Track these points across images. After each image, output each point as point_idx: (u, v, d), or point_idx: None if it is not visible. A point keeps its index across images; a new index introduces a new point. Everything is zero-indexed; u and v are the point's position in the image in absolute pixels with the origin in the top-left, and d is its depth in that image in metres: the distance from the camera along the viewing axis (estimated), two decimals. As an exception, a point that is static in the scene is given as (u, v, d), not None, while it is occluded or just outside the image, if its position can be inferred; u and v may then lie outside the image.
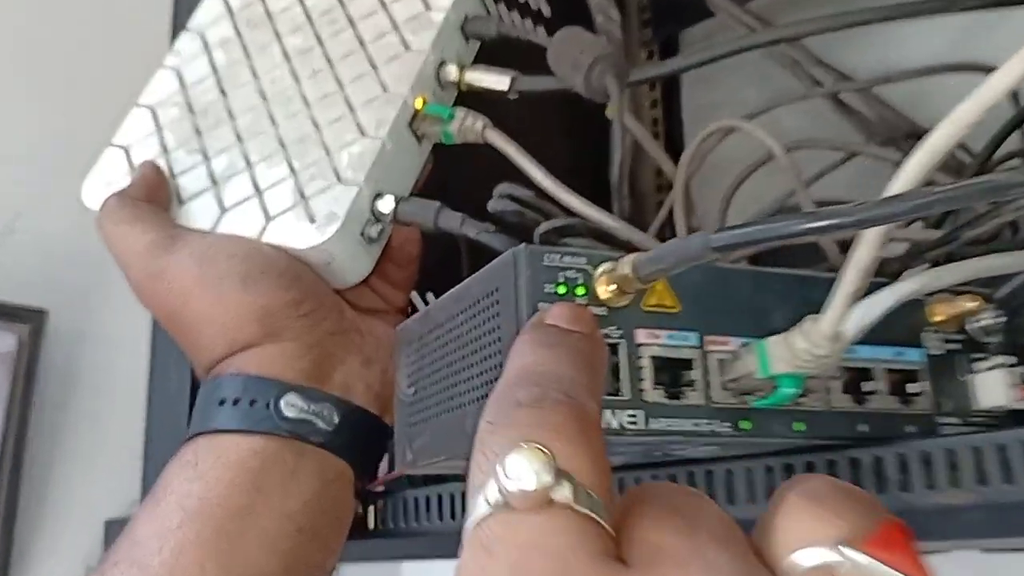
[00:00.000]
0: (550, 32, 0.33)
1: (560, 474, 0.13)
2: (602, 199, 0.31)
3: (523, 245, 0.20)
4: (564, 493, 0.13)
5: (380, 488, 0.32)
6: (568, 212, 0.31)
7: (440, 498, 0.29)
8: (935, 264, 0.27)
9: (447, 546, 0.30)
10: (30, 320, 0.73)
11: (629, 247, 0.29)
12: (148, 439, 0.43)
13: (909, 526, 0.21)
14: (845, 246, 0.36)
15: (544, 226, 0.30)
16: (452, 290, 0.23)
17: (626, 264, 0.19)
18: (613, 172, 0.32)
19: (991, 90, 0.16)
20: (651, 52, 0.58)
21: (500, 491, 0.13)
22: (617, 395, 0.19)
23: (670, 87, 0.57)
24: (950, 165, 0.44)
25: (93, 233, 0.33)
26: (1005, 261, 0.21)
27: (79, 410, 0.76)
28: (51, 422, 0.76)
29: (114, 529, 0.40)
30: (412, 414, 0.25)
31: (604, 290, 0.20)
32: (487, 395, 0.20)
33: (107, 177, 0.36)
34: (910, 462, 0.21)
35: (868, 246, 0.17)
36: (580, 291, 0.20)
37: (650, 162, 0.55)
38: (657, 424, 0.20)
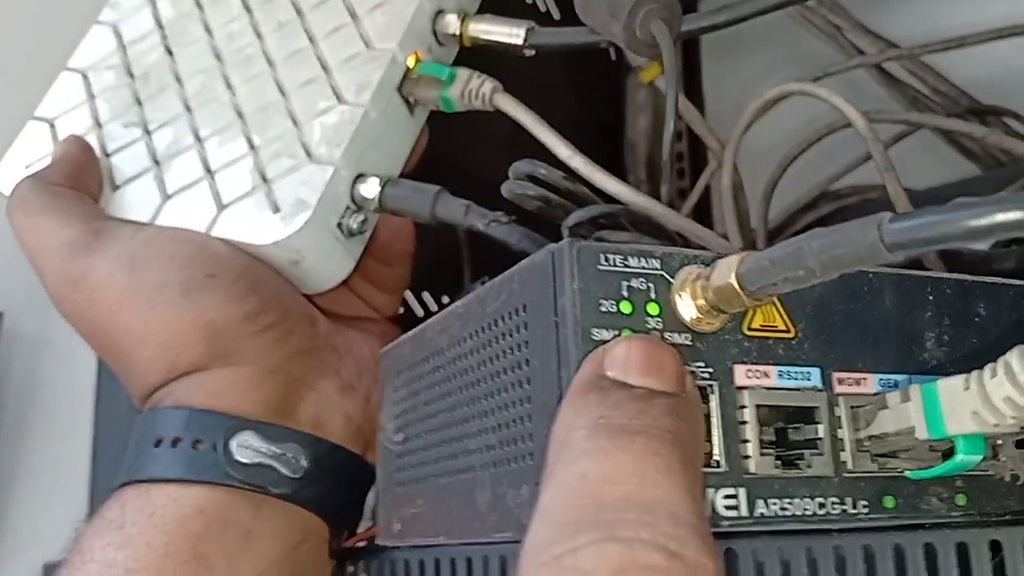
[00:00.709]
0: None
1: None
2: (614, 168, 0.25)
3: (567, 241, 0.13)
4: None
5: (361, 544, 0.26)
6: (602, 198, 0.24)
7: (439, 563, 0.23)
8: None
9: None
10: (-23, 324, 0.66)
11: (679, 242, 0.22)
12: (95, 469, 0.37)
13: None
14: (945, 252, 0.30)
15: (576, 216, 0.23)
16: (457, 303, 0.16)
17: (728, 271, 0.12)
18: (664, 146, 0.26)
19: None
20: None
21: None
22: (707, 465, 0.13)
23: (690, 61, 0.52)
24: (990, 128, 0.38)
25: None
26: None
27: (39, 415, 0.70)
28: (9, 427, 0.69)
29: (52, 573, 0.33)
30: (401, 468, 0.18)
31: (689, 307, 0.13)
32: (510, 460, 0.14)
33: (28, 157, 0.29)
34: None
35: None
36: (652, 309, 0.13)
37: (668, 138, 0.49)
38: (767, 509, 0.13)
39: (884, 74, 0.41)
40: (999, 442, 0.15)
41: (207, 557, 0.22)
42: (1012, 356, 0.12)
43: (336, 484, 0.24)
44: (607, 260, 0.13)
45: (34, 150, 0.29)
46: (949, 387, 0.13)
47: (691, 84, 0.52)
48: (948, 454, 0.13)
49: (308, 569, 0.24)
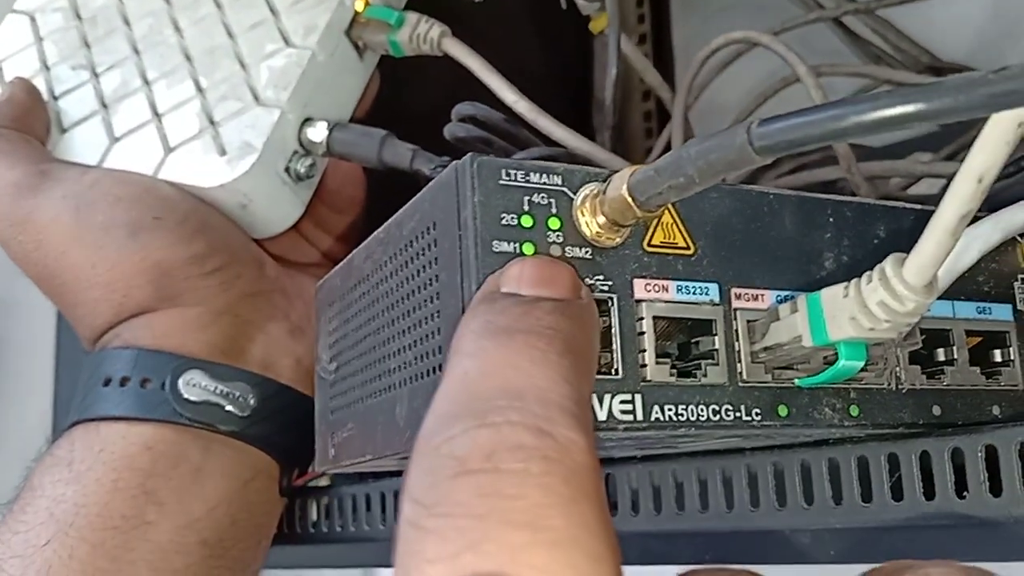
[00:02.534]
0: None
1: None
2: (583, 131, 0.25)
3: (469, 155, 0.13)
4: None
5: (317, 483, 0.26)
6: (547, 142, 0.25)
7: (384, 497, 0.24)
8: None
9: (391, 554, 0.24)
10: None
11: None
12: (56, 417, 0.37)
13: (1000, 542, 0.16)
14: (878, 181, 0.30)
15: (518, 156, 0.23)
16: (380, 228, 0.17)
17: (620, 183, 0.13)
18: (606, 92, 0.26)
19: None
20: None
21: None
22: (607, 373, 0.13)
23: (658, 15, 0.51)
24: None
25: None
26: None
27: (4, 373, 0.70)
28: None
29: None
30: (334, 396, 0.19)
31: (589, 222, 0.13)
32: (423, 373, 0.14)
33: (-26, 100, 0.29)
34: (1001, 457, 0.15)
35: (996, 143, 0.11)
36: (554, 223, 0.14)
37: (638, 100, 0.49)
38: (662, 413, 0.14)
39: (845, 30, 0.41)
40: (898, 354, 0.16)
41: (156, 492, 0.23)
42: (887, 262, 0.13)
43: (285, 423, 0.25)
44: (508, 175, 0.13)
45: (-20, 93, 0.29)
46: (831, 295, 0.13)
47: (660, 40, 0.52)
48: (832, 361, 0.14)
49: (258, 506, 0.25)
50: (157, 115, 0.27)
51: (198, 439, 0.23)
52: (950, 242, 0.12)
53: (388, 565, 0.26)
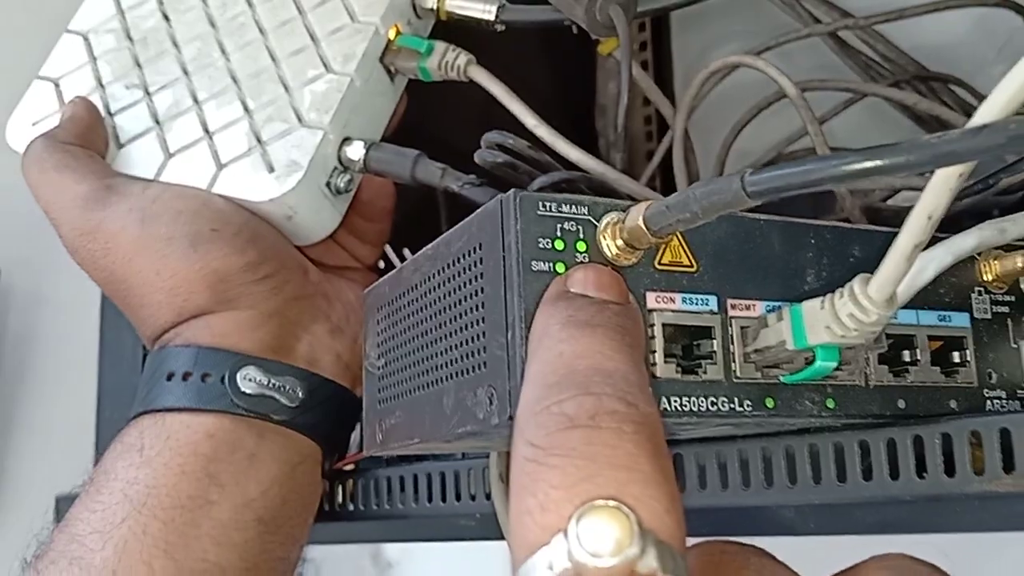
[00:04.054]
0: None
1: (644, 535, 0.11)
2: (588, 147, 0.28)
3: (512, 191, 0.16)
4: (650, 563, 0.11)
5: (350, 467, 0.29)
6: (564, 164, 0.27)
7: (416, 478, 0.27)
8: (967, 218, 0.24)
9: (422, 530, 0.27)
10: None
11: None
12: (100, 408, 0.40)
13: (953, 516, 0.18)
14: (866, 208, 0.33)
15: (540, 180, 0.26)
16: (428, 246, 0.19)
17: (637, 214, 0.16)
18: (618, 119, 0.29)
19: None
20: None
21: (571, 559, 0.11)
22: (624, 371, 0.16)
23: (659, 29, 0.54)
24: (940, 96, 0.41)
25: None
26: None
27: (36, 370, 0.73)
28: (7, 383, 0.72)
29: (65, 504, 0.36)
30: (382, 389, 0.21)
31: (610, 245, 0.16)
32: (469, 370, 0.17)
33: (34, 115, 0.32)
34: (956, 443, 0.18)
35: (940, 189, 0.14)
36: (581, 246, 0.16)
37: (639, 106, 0.52)
38: (668, 405, 0.17)
39: (839, 42, 0.43)
40: (867, 356, 0.18)
41: (217, 476, 0.25)
42: (855, 281, 0.15)
43: (328, 413, 0.28)
44: (544, 206, 0.16)
45: (40, 108, 0.32)
46: (810, 307, 0.16)
47: (660, 54, 0.55)
48: (811, 361, 0.16)
49: (305, 487, 0.27)
50: (208, 133, 0.29)
51: (253, 428, 0.26)
52: (905, 266, 0.15)
53: (415, 539, 0.29)
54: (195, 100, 0.30)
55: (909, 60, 0.43)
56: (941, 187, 0.14)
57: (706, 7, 0.40)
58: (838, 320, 0.15)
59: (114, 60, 0.32)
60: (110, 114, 0.31)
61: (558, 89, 0.47)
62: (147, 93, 0.31)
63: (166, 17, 0.32)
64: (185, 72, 0.31)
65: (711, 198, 0.14)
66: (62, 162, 0.28)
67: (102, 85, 0.31)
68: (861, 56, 0.43)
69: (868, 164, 0.13)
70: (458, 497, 0.25)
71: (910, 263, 0.15)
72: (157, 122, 0.30)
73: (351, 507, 0.29)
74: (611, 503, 0.11)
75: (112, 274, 0.27)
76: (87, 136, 0.29)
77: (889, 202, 0.35)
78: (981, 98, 0.39)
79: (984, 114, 0.13)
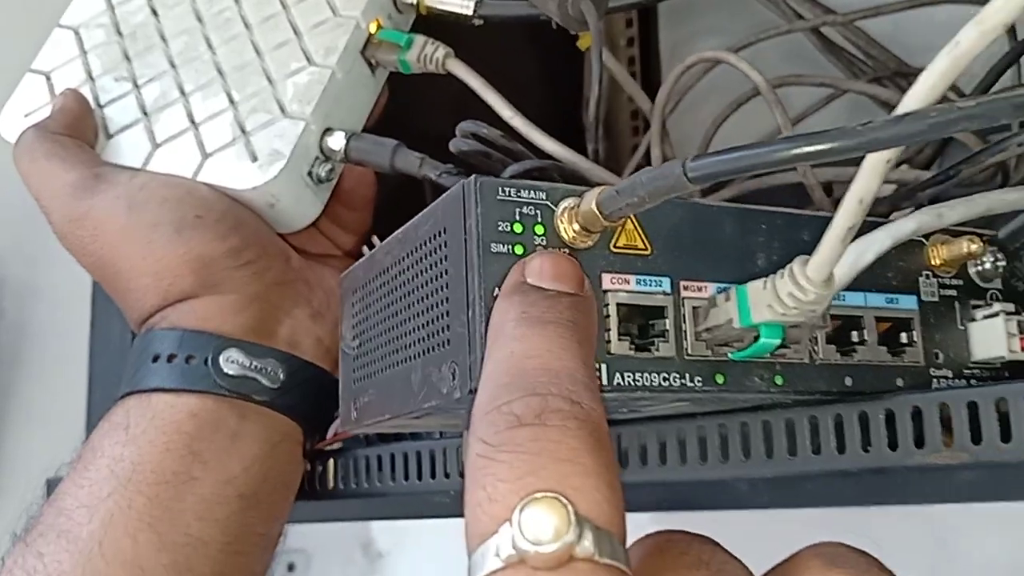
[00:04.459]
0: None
1: (581, 523, 0.12)
2: (574, 139, 0.29)
3: (473, 177, 0.17)
4: (586, 547, 0.12)
5: (332, 447, 0.30)
6: (539, 154, 0.28)
7: (394, 457, 0.27)
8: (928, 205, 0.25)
9: (401, 507, 0.28)
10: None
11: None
12: (91, 393, 0.41)
13: (896, 487, 0.19)
14: (832, 190, 0.34)
15: (512, 168, 0.27)
16: (398, 230, 0.20)
17: (591, 199, 0.17)
18: (589, 110, 0.29)
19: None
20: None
21: (515, 547, 0.12)
22: (580, 348, 0.17)
23: (646, 23, 0.54)
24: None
25: None
26: (1016, 196, 0.19)
27: (30, 358, 0.74)
28: (2, 371, 0.73)
29: (55, 487, 0.37)
30: (357, 368, 0.22)
31: (566, 229, 0.17)
32: (434, 347, 0.18)
33: (26, 107, 0.32)
34: (899, 418, 0.19)
35: (870, 174, 0.15)
36: (539, 230, 0.17)
37: (626, 103, 0.52)
38: (622, 380, 0.17)
39: (821, 38, 0.44)
40: (814, 335, 0.19)
41: (200, 453, 0.26)
42: (794, 262, 0.16)
43: (308, 394, 0.29)
44: (503, 192, 0.17)
45: (32, 100, 0.32)
46: (755, 287, 0.17)
47: (647, 49, 0.55)
48: (756, 339, 0.17)
49: (285, 466, 0.28)
50: (194, 124, 0.30)
51: (235, 408, 0.27)
52: (840, 247, 0.16)
53: (394, 517, 0.30)
54: (182, 92, 0.31)
55: (890, 56, 0.43)
56: (871, 172, 0.15)
57: (691, 2, 0.41)
58: (779, 299, 0.16)
59: (104, 54, 0.33)
60: (99, 106, 0.31)
61: (546, 83, 0.47)
62: (135, 85, 0.32)
63: (154, 12, 0.33)
64: (172, 65, 0.32)
65: (656, 183, 0.15)
66: (52, 151, 0.29)
67: (92, 78, 0.32)
68: (844, 52, 0.44)
69: (798, 151, 0.14)
70: (433, 475, 0.26)
71: (844, 244, 0.15)
72: (145, 113, 0.31)
73: (332, 486, 0.30)
74: (550, 495, 0.12)
75: (100, 259, 0.28)
76: (77, 127, 0.30)
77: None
78: (960, 93, 0.40)
79: (908, 103, 0.14)
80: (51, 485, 0.40)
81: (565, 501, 0.12)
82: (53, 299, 0.74)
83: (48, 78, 0.33)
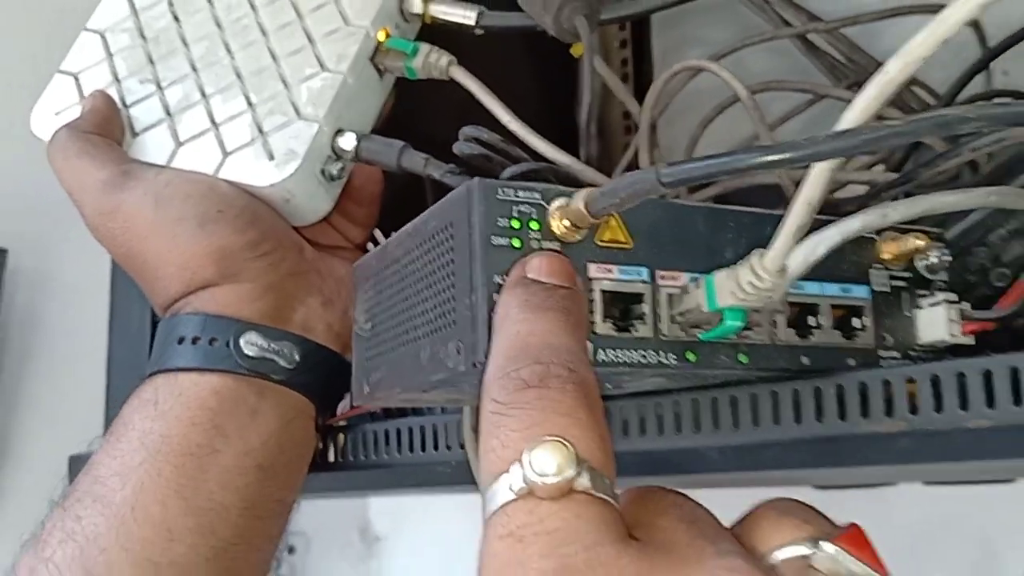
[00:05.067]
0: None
1: (581, 462, 0.14)
2: (571, 142, 0.31)
3: (476, 179, 0.20)
4: (584, 482, 0.14)
5: (341, 423, 0.33)
6: (536, 156, 0.31)
7: (399, 432, 0.30)
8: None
9: (404, 478, 0.31)
10: (-12, 259, 0.71)
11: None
12: (110, 375, 0.43)
13: (845, 452, 0.22)
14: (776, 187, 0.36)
15: (510, 170, 0.29)
16: (408, 225, 0.23)
17: (579, 199, 0.19)
18: (581, 115, 0.32)
19: (942, 24, 0.16)
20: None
21: (525, 480, 0.14)
22: (569, 328, 0.20)
23: (640, 27, 0.57)
24: (914, 107, 0.44)
25: (51, 171, 0.32)
26: (953, 199, 0.22)
27: (41, 348, 0.76)
28: (13, 361, 0.75)
29: (78, 464, 0.40)
30: (369, 348, 0.25)
31: (557, 225, 0.20)
32: (443, 328, 0.21)
33: (56, 105, 0.34)
34: (847, 393, 0.22)
35: (816, 181, 0.17)
36: (534, 225, 0.20)
37: (618, 104, 0.55)
38: (605, 356, 0.20)
39: (807, 43, 0.46)
40: (774, 319, 0.22)
41: (222, 427, 0.29)
42: (753, 255, 0.19)
43: (320, 374, 0.31)
44: (503, 192, 0.20)
45: (61, 99, 0.34)
46: (720, 276, 0.19)
47: (640, 52, 0.58)
48: (721, 321, 0.20)
49: (299, 439, 0.31)
50: (215, 124, 0.32)
51: (254, 386, 0.29)
52: (791, 243, 0.18)
53: (399, 487, 0.33)
54: (203, 94, 0.33)
55: (870, 60, 0.46)
56: (817, 179, 0.17)
57: (686, 10, 0.43)
58: (740, 287, 0.19)
59: (129, 57, 0.35)
60: (125, 106, 0.34)
61: (542, 88, 0.50)
62: (159, 87, 0.34)
63: (176, 18, 0.35)
64: (194, 69, 0.34)
65: (634, 186, 0.18)
66: (84, 150, 0.31)
67: (118, 79, 0.34)
68: (827, 57, 0.46)
69: (754, 161, 0.16)
70: (436, 447, 0.29)
71: (795, 240, 0.18)
72: (168, 114, 0.33)
73: (342, 459, 0.32)
74: (555, 438, 0.15)
75: (129, 250, 0.31)
76: (106, 126, 0.32)
77: (836, 194, 0.39)
78: (937, 96, 0.42)
79: (847, 120, 0.17)
80: (73, 462, 0.42)
81: (567, 443, 0.15)
82: (65, 289, 0.76)
83: (76, 79, 0.35)
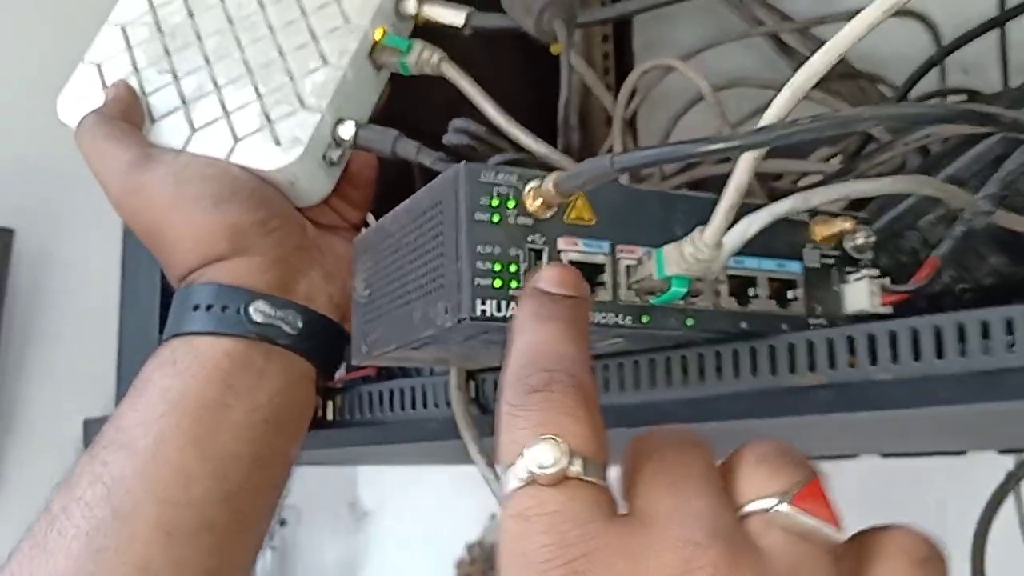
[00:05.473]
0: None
1: (573, 454, 0.18)
2: (551, 133, 0.34)
3: (463, 163, 0.23)
4: (576, 469, 0.17)
5: (339, 386, 0.36)
6: (519, 147, 0.34)
7: (392, 392, 0.34)
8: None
9: (396, 433, 0.34)
10: (-4, 239, 0.74)
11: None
12: (121, 344, 0.46)
13: (776, 403, 0.25)
14: (766, 177, 0.40)
15: (494, 159, 0.33)
16: (403, 203, 0.26)
17: (549, 181, 0.23)
18: (559, 111, 0.35)
19: (846, 36, 0.19)
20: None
21: (527, 471, 0.18)
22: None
23: (623, 26, 0.60)
24: (873, 99, 0.48)
25: (57, 153, 0.35)
26: (864, 186, 0.25)
27: (46, 324, 0.79)
28: (19, 337, 0.78)
29: (92, 426, 0.43)
30: (367, 313, 0.28)
31: (531, 203, 0.23)
32: (433, 291, 0.24)
33: (81, 93, 0.37)
34: (778, 352, 0.25)
35: (743, 168, 0.21)
36: (511, 204, 0.23)
37: (599, 99, 0.58)
38: (572, 316, 0.23)
39: (779, 42, 0.49)
40: (717, 289, 0.25)
41: (233, 386, 0.32)
42: (695, 231, 0.22)
43: (321, 341, 0.34)
44: (485, 175, 0.23)
45: (85, 87, 0.37)
46: (668, 249, 0.23)
47: (622, 46, 0.61)
48: (669, 288, 0.23)
49: (302, 398, 0.34)
50: (227, 113, 0.36)
51: (261, 349, 0.33)
52: (725, 220, 0.22)
53: (392, 442, 0.36)
54: (215, 85, 0.36)
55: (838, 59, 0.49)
56: (743, 168, 0.21)
57: (667, 8, 0.46)
58: (683, 257, 0.22)
59: (148, 49, 0.38)
60: (144, 94, 0.37)
61: (526, 84, 0.53)
62: (175, 78, 0.37)
63: (191, 14, 0.38)
64: (207, 61, 0.37)
65: (593, 171, 0.21)
66: (109, 134, 0.34)
67: (137, 69, 0.37)
68: (799, 55, 0.49)
69: (692, 150, 0.20)
70: (424, 406, 0.32)
71: (727, 218, 0.22)
72: (184, 102, 0.36)
73: (339, 417, 0.36)
74: (552, 436, 0.18)
75: (150, 225, 0.34)
76: (128, 113, 0.35)
77: (799, 183, 0.43)
78: (894, 87, 0.46)
79: (766, 118, 0.20)
80: (87, 425, 0.45)
81: (561, 440, 0.18)
82: (68, 269, 0.79)
83: (99, 68, 0.38)
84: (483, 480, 0.31)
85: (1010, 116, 0.20)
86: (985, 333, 0.22)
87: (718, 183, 0.45)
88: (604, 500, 0.18)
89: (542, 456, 0.17)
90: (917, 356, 0.23)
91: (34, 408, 0.78)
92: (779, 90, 0.50)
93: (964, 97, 0.47)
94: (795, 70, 0.52)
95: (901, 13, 0.48)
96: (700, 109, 0.46)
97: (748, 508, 0.18)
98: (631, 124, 0.49)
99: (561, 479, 0.17)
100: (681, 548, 0.16)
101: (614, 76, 0.59)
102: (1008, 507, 0.48)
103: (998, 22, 0.44)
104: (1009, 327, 0.21)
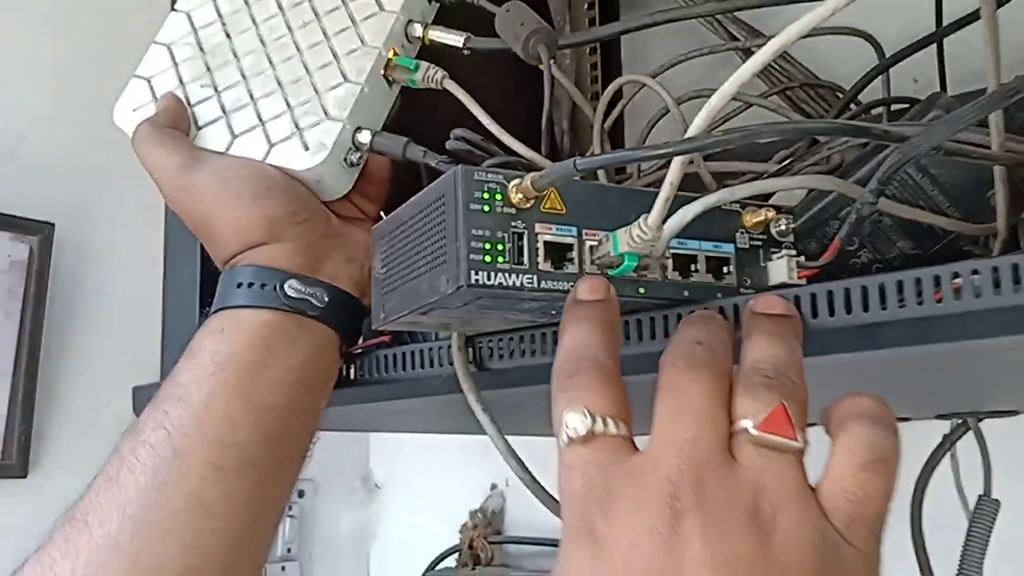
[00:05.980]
0: (498, 1, 0.42)
1: (596, 418, 0.24)
2: (538, 140, 0.41)
3: (460, 165, 0.30)
4: (599, 428, 0.24)
5: (359, 351, 0.43)
6: (509, 151, 0.40)
7: (404, 354, 0.40)
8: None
9: (407, 389, 0.41)
10: (39, 232, 0.81)
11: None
12: (165, 324, 0.53)
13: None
14: (723, 175, 0.46)
15: (489, 162, 0.39)
16: (414, 197, 0.33)
17: (528, 179, 0.29)
18: (543, 121, 0.42)
19: (759, 59, 0.26)
20: (591, 2, 0.66)
21: (567, 436, 0.24)
22: (522, 265, 0.30)
23: (611, 40, 0.66)
24: (827, 109, 0.54)
25: (94, 153, 0.40)
26: (778, 182, 0.32)
27: (84, 312, 0.85)
28: (61, 324, 0.84)
29: (139, 395, 0.50)
30: (384, 286, 0.35)
31: (514, 196, 0.30)
32: (437, 266, 0.31)
33: (133, 103, 0.44)
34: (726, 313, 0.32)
35: (675, 168, 0.27)
36: (499, 197, 0.30)
37: (587, 92, 0.64)
38: (545, 284, 0.30)
39: (750, 55, 0.55)
40: (664, 264, 0.32)
41: (271, 349, 0.39)
42: (641, 217, 0.29)
43: (345, 313, 0.41)
44: (478, 175, 0.29)
45: (137, 99, 0.44)
46: (621, 231, 0.29)
47: (609, 56, 0.67)
48: (622, 262, 0.30)
49: (327, 362, 0.41)
50: (262, 122, 0.42)
51: (293, 320, 0.39)
52: (662, 208, 0.28)
53: (403, 397, 0.43)
54: (251, 98, 0.43)
55: (800, 70, 0.55)
56: (676, 169, 0.27)
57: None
58: (632, 238, 0.29)
59: (191, 65, 0.45)
60: (190, 105, 0.43)
61: (517, 97, 0.59)
62: (216, 91, 0.43)
63: (228, 35, 0.45)
64: (243, 77, 0.44)
65: (560, 172, 0.28)
66: (161, 140, 0.41)
67: (183, 83, 0.44)
68: (768, 68, 0.55)
69: (641, 154, 0.26)
70: (431, 365, 0.39)
71: (664, 206, 0.28)
72: (224, 112, 0.43)
73: (359, 377, 0.42)
74: (580, 407, 0.24)
75: (198, 217, 0.40)
76: (177, 121, 0.42)
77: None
78: (843, 91, 0.52)
79: (692, 130, 0.27)
80: (136, 392, 0.52)
81: (586, 410, 0.24)
82: (106, 260, 0.86)
83: (149, 82, 0.45)
84: (483, 454, 0.37)
85: (879, 128, 0.27)
86: (864, 296, 0.28)
87: (693, 181, 0.51)
88: (624, 447, 0.24)
89: (574, 422, 0.24)
90: (815, 314, 0.29)
91: (74, 393, 0.85)
92: (743, 102, 0.56)
93: (907, 105, 0.53)
94: (767, 77, 0.58)
95: (844, 32, 0.54)
96: (670, 118, 0.53)
97: (733, 428, 0.23)
98: (619, 130, 0.55)
99: (591, 437, 0.24)
100: (667, 470, 0.23)
101: (600, 87, 0.65)
102: (945, 469, 0.54)
103: (935, 38, 0.51)
104: (882, 293, 0.28)
